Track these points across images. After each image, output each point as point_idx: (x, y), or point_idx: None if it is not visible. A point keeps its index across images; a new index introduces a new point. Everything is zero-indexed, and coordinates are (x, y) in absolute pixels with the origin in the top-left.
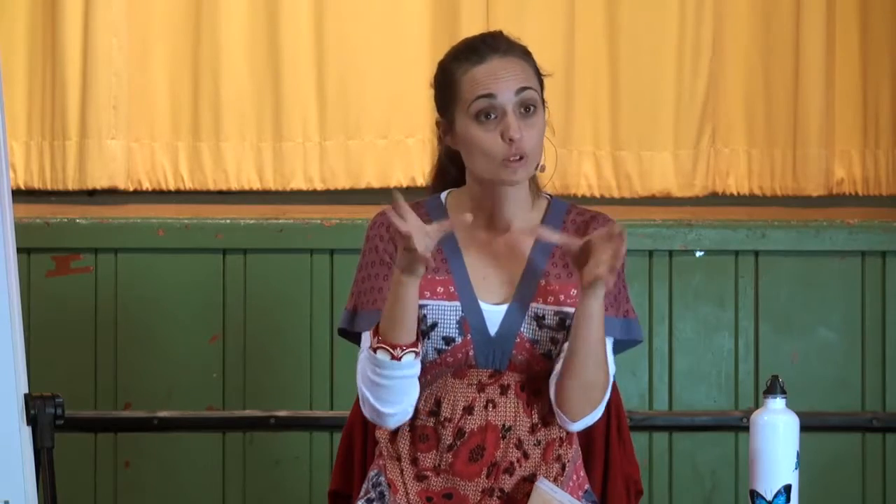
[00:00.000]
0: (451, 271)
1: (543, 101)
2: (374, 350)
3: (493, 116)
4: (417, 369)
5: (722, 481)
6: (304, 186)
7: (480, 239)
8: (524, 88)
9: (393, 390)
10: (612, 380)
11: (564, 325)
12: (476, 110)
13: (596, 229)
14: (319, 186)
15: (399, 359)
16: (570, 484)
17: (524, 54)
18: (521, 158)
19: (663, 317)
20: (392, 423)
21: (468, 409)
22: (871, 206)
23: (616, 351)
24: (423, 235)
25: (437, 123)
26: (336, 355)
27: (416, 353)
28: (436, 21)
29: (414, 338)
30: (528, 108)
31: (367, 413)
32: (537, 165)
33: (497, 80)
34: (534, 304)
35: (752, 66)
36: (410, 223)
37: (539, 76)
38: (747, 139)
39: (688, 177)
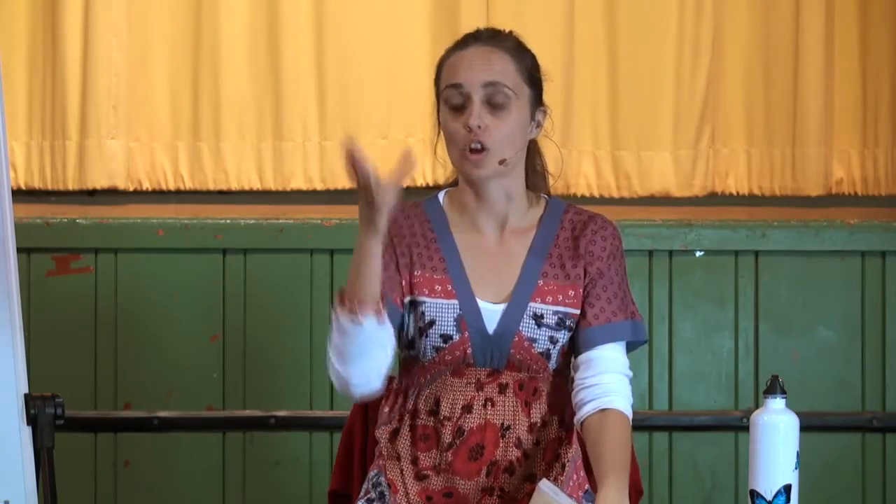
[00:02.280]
0: (449, 270)
1: (538, 101)
2: (338, 313)
3: (460, 105)
4: (383, 334)
5: (722, 481)
6: (304, 186)
7: (477, 239)
8: (492, 83)
9: (355, 352)
10: (629, 386)
11: (564, 324)
12: (446, 98)
13: (594, 231)
14: (319, 186)
15: (360, 323)
16: (571, 484)
17: (512, 48)
18: (481, 150)
19: (663, 317)
20: (357, 391)
21: (467, 408)
22: (870, 206)
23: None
24: (378, 186)
25: (435, 112)
26: None
27: (379, 318)
28: (436, 21)
29: (377, 301)
30: (499, 103)
31: (335, 383)
32: (504, 161)
33: (467, 69)
34: (532, 304)
35: (752, 66)
36: (368, 174)
37: (529, 74)
38: (747, 139)
39: (687, 177)
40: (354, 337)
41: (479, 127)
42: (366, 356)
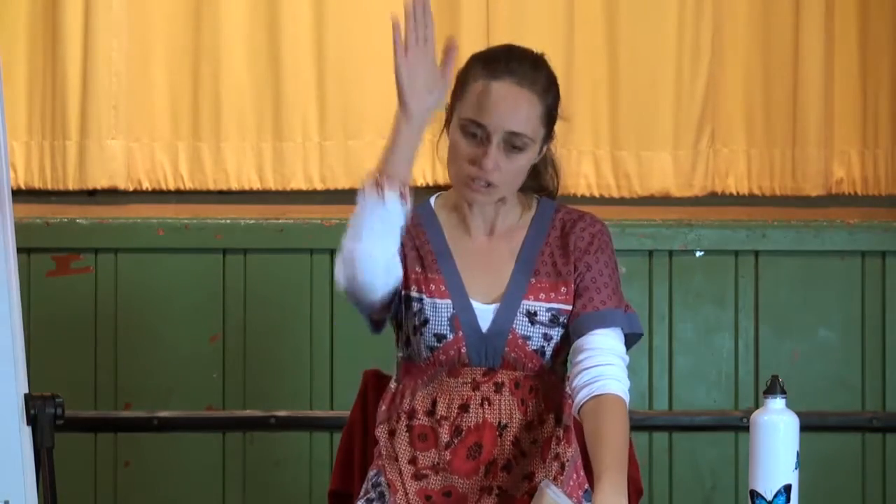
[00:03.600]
0: (442, 270)
1: (547, 139)
2: (365, 188)
3: (477, 136)
4: (399, 221)
5: (722, 481)
6: (304, 186)
7: (469, 240)
8: (515, 134)
9: (370, 228)
10: (625, 369)
11: (557, 321)
12: (463, 125)
13: (582, 228)
14: (319, 186)
15: (383, 197)
16: (570, 483)
17: (541, 90)
18: (487, 185)
19: (663, 317)
20: (359, 275)
21: (464, 408)
22: (870, 206)
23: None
24: (408, 75)
25: (445, 108)
26: (336, 355)
27: (402, 200)
28: (436, 21)
29: (403, 183)
30: (516, 146)
31: (339, 273)
32: (503, 199)
33: (493, 111)
34: (525, 301)
35: (752, 67)
36: (408, 55)
37: (549, 114)
38: (746, 139)
39: (687, 177)
40: (372, 212)
41: (492, 168)
42: (378, 237)
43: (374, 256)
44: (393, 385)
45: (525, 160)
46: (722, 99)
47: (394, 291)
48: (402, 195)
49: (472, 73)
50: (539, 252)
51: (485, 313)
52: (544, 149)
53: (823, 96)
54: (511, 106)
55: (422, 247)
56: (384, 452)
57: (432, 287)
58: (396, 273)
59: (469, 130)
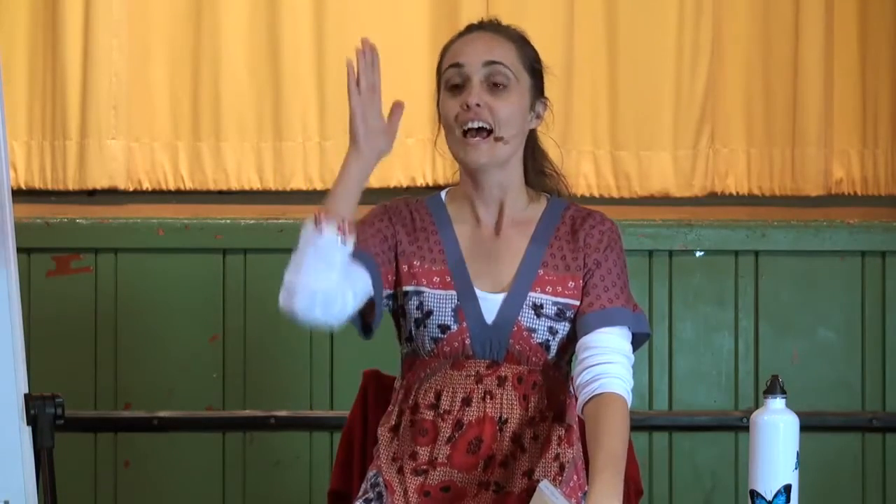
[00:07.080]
0: (448, 262)
1: (539, 92)
2: (305, 222)
3: (460, 84)
4: (338, 256)
5: (722, 481)
6: (304, 186)
7: (477, 231)
8: (493, 62)
9: (307, 262)
10: (629, 368)
11: (564, 315)
12: (446, 80)
13: (592, 225)
14: (319, 186)
15: (320, 231)
16: (570, 484)
17: (514, 37)
18: (483, 131)
19: (663, 317)
20: (299, 306)
21: (466, 401)
22: (870, 206)
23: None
24: (362, 116)
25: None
26: (336, 355)
27: (340, 235)
28: (435, 21)
29: (342, 219)
30: (499, 83)
31: (280, 297)
32: (501, 139)
33: (469, 51)
34: (532, 294)
35: (751, 66)
36: (362, 97)
37: (530, 63)
38: (746, 139)
39: (687, 177)
40: (311, 243)
41: (479, 105)
42: (316, 272)
43: (311, 289)
44: (398, 384)
45: (513, 101)
46: (722, 99)
47: (351, 316)
48: (340, 230)
49: (446, 47)
50: (548, 245)
51: (490, 304)
52: (537, 108)
53: (823, 96)
54: (484, 43)
55: (427, 238)
56: (383, 452)
57: (436, 279)
58: (341, 306)
59: (452, 83)
